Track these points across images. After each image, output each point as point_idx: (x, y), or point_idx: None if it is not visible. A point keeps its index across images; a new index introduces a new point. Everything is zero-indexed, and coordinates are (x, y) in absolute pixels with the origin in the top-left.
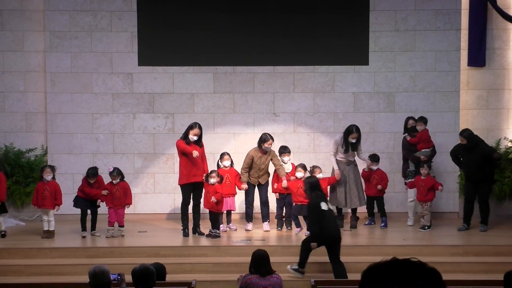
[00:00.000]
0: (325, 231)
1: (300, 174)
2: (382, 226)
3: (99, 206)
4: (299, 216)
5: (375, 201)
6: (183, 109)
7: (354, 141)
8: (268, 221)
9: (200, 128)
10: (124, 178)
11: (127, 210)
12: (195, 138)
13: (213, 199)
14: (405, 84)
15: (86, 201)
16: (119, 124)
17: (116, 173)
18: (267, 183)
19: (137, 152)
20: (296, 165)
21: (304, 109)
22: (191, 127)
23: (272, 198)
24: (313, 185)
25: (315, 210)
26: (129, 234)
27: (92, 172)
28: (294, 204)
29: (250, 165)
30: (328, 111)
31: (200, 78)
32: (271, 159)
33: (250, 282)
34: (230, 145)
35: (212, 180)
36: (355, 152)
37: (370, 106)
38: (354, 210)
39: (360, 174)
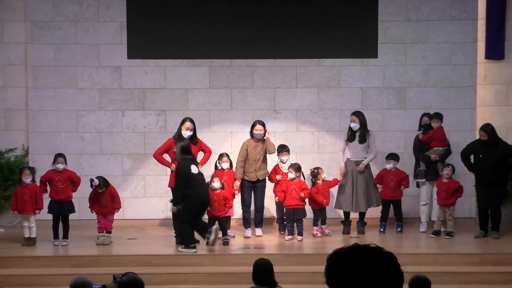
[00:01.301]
0: (195, 195)
1: (291, 175)
2: (399, 231)
3: (74, 211)
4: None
5: (391, 205)
6: (176, 106)
7: (354, 125)
8: (261, 227)
9: (192, 121)
10: (108, 183)
11: (115, 215)
12: (189, 132)
13: (236, 192)
14: (417, 78)
15: (60, 205)
16: (107, 122)
17: (102, 183)
18: (263, 185)
19: (126, 152)
20: (290, 166)
21: (308, 106)
22: (182, 122)
23: (271, 202)
24: (184, 148)
25: (184, 173)
26: (118, 241)
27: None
28: (286, 208)
29: (245, 157)
30: (333, 108)
31: (195, 72)
32: (267, 149)
33: None
34: (227, 144)
35: (216, 185)
36: (366, 149)
37: (379, 103)
38: (361, 215)
39: (372, 176)
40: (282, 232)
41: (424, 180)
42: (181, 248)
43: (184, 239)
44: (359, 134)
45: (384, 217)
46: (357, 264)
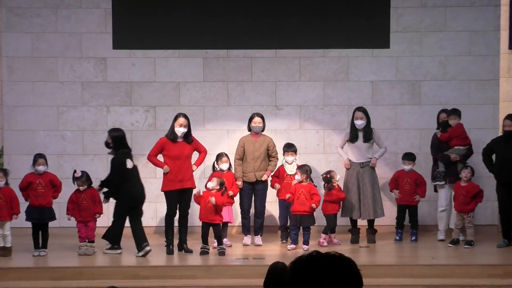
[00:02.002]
0: (130, 190)
1: (298, 178)
2: (413, 240)
3: (54, 218)
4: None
5: (407, 210)
6: (166, 101)
7: (360, 123)
8: (261, 235)
9: (186, 117)
10: (92, 184)
11: (98, 222)
12: (183, 129)
13: (231, 192)
14: (433, 71)
15: (40, 211)
16: (90, 119)
17: (85, 178)
18: (264, 188)
19: None
20: (297, 168)
21: (312, 101)
22: (175, 118)
23: (274, 206)
24: (119, 139)
25: (119, 167)
26: (101, 251)
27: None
28: (292, 213)
29: (242, 155)
30: (341, 104)
31: (187, 64)
32: (268, 148)
33: None
34: (223, 144)
35: (211, 185)
36: (370, 148)
37: (392, 98)
38: (370, 222)
39: (377, 180)
40: (284, 241)
41: (443, 182)
42: (106, 249)
43: (109, 236)
44: (364, 132)
45: (400, 223)
46: (317, 271)
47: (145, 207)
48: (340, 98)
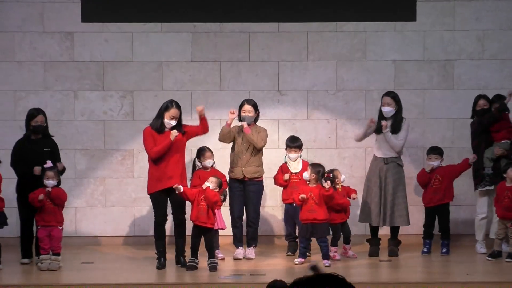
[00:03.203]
0: None
1: (306, 175)
2: (444, 252)
3: (5, 224)
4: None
5: (436, 216)
6: (146, 85)
7: (388, 110)
8: (255, 246)
9: (178, 107)
10: (60, 183)
11: (63, 232)
12: (173, 122)
13: (209, 184)
14: (469, 48)
15: None
16: (54, 106)
17: (57, 171)
18: (258, 190)
19: (80, 147)
20: (309, 164)
21: (323, 85)
22: (166, 107)
23: (277, 211)
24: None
25: None
26: (69, 266)
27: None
28: (301, 222)
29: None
30: (357, 88)
31: (172, 39)
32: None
33: None
34: (215, 137)
35: (210, 185)
36: (395, 140)
37: (419, 81)
38: (394, 230)
39: (403, 179)
40: (290, 253)
41: (492, 187)
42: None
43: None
44: (393, 121)
45: (428, 233)
46: None
47: (120, 213)
48: (356, 82)
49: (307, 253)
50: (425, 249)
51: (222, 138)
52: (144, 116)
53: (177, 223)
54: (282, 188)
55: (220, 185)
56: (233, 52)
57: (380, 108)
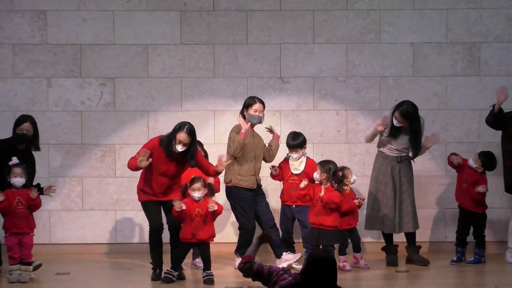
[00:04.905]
0: None
1: (316, 176)
2: (470, 262)
3: None
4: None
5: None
6: (130, 71)
7: (399, 125)
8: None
9: (190, 133)
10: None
11: (35, 238)
12: (180, 148)
13: (214, 206)
14: (497, 29)
15: None
16: (24, 95)
17: (23, 169)
18: (262, 192)
19: (54, 142)
20: (318, 163)
21: (331, 71)
22: (178, 128)
23: (274, 213)
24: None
25: None
26: (42, 277)
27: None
28: (311, 226)
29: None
30: (370, 75)
31: (159, 19)
32: (270, 149)
33: None
34: (208, 130)
35: (197, 195)
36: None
37: (440, 66)
38: (410, 237)
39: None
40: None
41: None
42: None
43: None
44: (412, 144)
45: (461, 240)
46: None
47: (100, 217)
48: (369, 67)
49: None
50: (455, 258)
51: (236, 152)
52: (127, 107)
53: (173, 233)
54: (282, 187)
55: (204, 183)
56: (229, 33)
57: (393, 118)
